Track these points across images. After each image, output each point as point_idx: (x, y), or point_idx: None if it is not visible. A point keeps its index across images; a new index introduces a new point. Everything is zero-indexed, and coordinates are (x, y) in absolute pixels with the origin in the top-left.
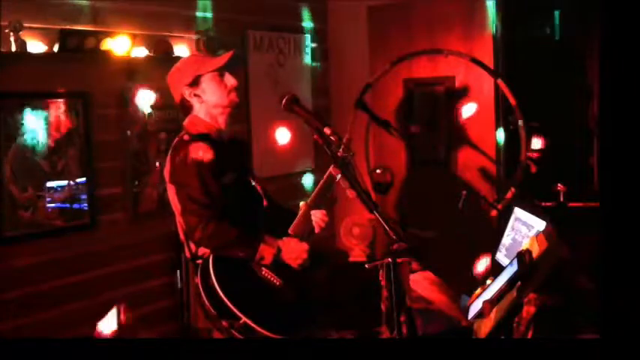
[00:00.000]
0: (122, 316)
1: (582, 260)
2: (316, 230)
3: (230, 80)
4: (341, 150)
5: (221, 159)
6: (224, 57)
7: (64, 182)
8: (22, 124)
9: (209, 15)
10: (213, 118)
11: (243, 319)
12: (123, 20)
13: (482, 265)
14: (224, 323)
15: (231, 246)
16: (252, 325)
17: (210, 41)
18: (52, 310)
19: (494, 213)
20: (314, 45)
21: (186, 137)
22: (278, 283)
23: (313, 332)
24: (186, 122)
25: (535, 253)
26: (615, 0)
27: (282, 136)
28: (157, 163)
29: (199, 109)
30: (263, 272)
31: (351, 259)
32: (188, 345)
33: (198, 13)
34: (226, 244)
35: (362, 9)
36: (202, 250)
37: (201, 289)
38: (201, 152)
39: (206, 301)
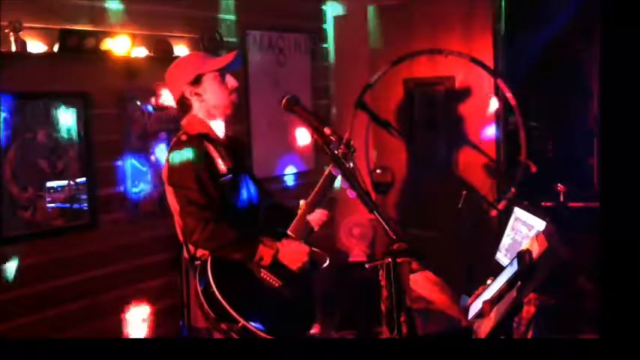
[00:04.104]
0: None
1: (582, 260)
2: (315, 229)
3: (231, 81)
4: (341, 147)
5: (220, 159)
6: (227, 57)
7: (64, 182)
8: (22, 124)
9: (209, 15)
10: (213, 118)
11: (242, 322)
12: (123, 20)
13: (482, 265)
14: (223, 326)
15: (230, 248)
16: (251, 328)
17: (212, 41)
18: (52, 310)
19: (494, 213)
20: (314, 45)
21: (184, 137)
22: (277, 285)
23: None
24: (184, 122)
25: (535, 253)
26: (615, 0)
27: (282, 136)
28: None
29: (199, 109)
30: (262, 274)
31: (351, 259)
32: (188, 345)
33: (199, 13)
34: (224, 245)
35: (362, 9)
36: (201, 252)
37: (199, 291)
38: (199, 153)
39: (204, 304)
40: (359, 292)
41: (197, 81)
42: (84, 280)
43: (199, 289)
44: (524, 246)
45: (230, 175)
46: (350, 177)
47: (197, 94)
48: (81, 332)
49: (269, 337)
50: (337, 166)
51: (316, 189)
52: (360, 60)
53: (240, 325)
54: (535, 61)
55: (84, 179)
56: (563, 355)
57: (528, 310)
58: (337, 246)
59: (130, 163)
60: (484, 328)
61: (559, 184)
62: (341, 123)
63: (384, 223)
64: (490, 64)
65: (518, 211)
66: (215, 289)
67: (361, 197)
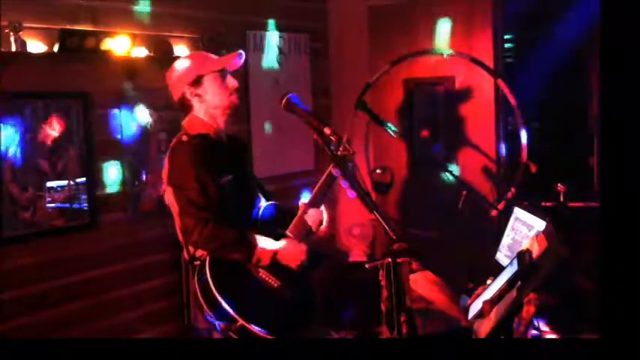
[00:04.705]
0: None
1: (582, 260)
2: (313, 229)
3: (231, 82)
4: (341, 149)
5: (220, 159)
6: (227, 57)
7: (64, 182)
8: (23, 124)
9: (209, 15)
10: (213, 118)
11: (240, 321)
12: (123, 20)
13: (482, 265)
14: (222, 325)
15: (229, 248)
16: (249, 327)
17: (212, 41)
18: (52, 310)
19: (494, 213)
20: (314, 45)
21: (184, 138)
22: (276, 285)
23: (313, 332)
24: (184, 122)
25: (535, 253)
26: (615, 0)
27: (282, 136)
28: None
29: (199, 109)
30: (261, 274)
31: (351, 259)
32: (188, 345)
33: (199, 14)
34: (224, 246)
35: (362, 9)
36: (200, 252)
37: (198, 291)
38: (200, 153)
39: (203, 304)
40: (359, 292)
41: (197, 82)
42: (84, 280)
43: (198, 289)
44: (524, 246)
45: (230, 176)
46: (350, 177)
47: (197, 94)
48: (81, 332)
49: (267, 336)
50: (337, 166)
51: (316, 189)
52: (360, 60)
53: (238, 324)
54: (535, 61)
55: (84, 179)
56: (563, 355)
57: (528, 310)
58: (337, 246)
59: (129, 163)
60: (484, 328)
61: (559, 184)
62: (341, 123)
63: (384, 223)
64: (490, 64)
65: (518, 211)
66: (214, 288)
67: (361, 197)
